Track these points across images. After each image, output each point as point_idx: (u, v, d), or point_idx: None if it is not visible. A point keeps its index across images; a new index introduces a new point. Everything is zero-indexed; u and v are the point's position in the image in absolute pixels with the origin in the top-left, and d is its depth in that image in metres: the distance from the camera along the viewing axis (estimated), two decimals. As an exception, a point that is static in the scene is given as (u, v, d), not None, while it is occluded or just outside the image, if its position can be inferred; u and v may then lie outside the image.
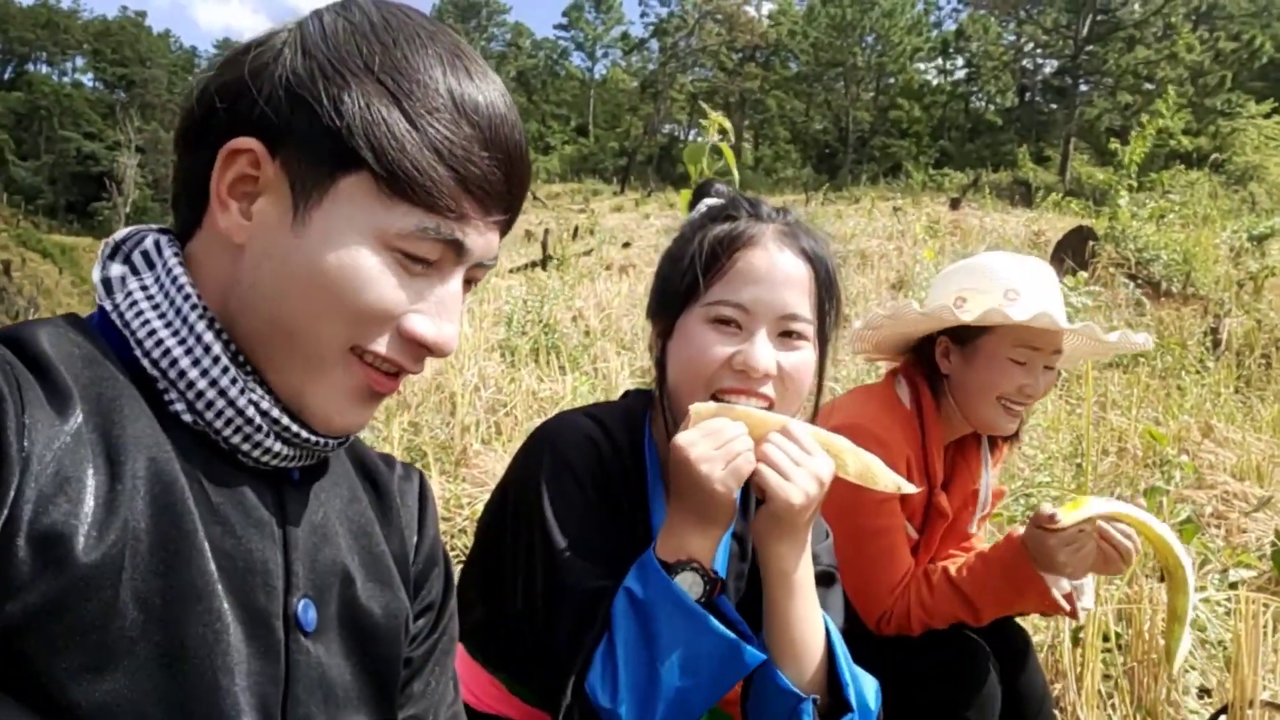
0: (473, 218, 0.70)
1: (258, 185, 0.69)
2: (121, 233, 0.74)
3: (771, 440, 1.07)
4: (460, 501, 3.41)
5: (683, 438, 1.06)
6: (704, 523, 1.08)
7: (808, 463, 1.07)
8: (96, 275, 0.72)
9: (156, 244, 0.73)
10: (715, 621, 1.04)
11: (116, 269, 0.72)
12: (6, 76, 67.45)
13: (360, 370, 0.71)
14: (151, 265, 0.72)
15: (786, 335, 1.14)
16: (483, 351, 5.79)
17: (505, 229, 0.76)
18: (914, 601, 1.61)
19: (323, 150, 0.67)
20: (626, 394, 1.36)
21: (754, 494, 1.27)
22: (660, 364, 1.23)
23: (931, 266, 8.16)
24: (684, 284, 1.16)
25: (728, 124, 2.00)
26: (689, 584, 1.06)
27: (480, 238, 0.72)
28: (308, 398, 0.71)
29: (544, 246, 12.34)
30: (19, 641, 0.55)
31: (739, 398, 1.12)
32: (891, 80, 50.93)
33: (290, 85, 0.67)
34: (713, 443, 1.05)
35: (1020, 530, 1.61)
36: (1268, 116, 26.16)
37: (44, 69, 70.44)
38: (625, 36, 65.53)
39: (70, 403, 0.62)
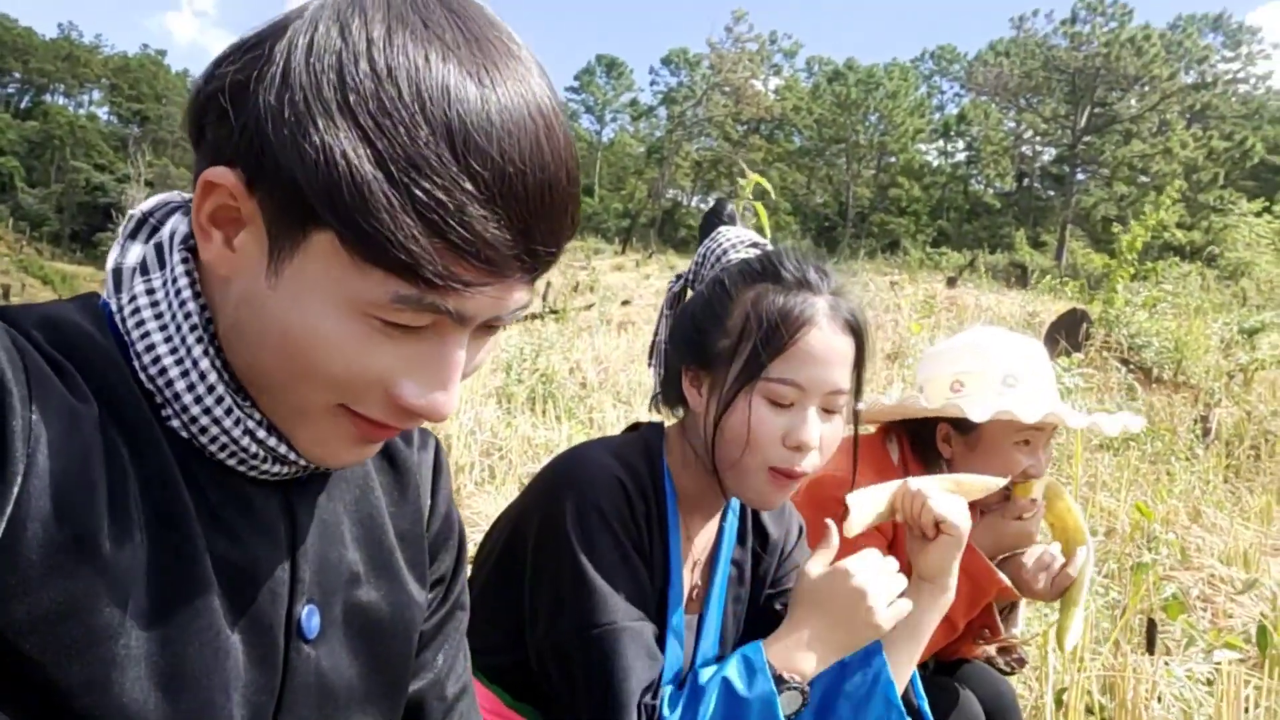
0: (472, 284, 0.57)
1: (240, 215, 0.59)
2: (149, 203, 0.68)
3: (918, 485, 1.26)
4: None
5: (857, 568, 1.16)
6: (837, 649, 1.16)
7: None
8: (111, 261, 0.65)
9: (171, 238, 0.65)
10: None
11: (133, 255, 0.66)
12: (23, 105, 68.40)
13: (350, 421, 0.64)
14: (162, 265, 0.65)
15: (826, 409, 1.17)
16: (480, 397, 5.82)
17: (534, 280, 0.63)
18: None
19: (292, 199, 0.55)
20: (636, 425, 1.37)
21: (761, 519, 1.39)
22: (682, 399, 1.26)
23: (920, 339, 8.25)
24: (732, 348, 1.17)
25: (768, 184, 2.05)
26: (789, 702, 1.12)
27: (487, 300, 0.59)
28: (297, 438, 0.66)
29: (544, 299, 12.45)
30: (22, 646, 0.53)
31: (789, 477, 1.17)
32: (893, 159, 51.89)
33: (260, 117, 0.55)
34: (884, 581, 1.17)
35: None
36: (1258, 215, 26.67)
37: (61, 100, 71.49)
38: (634, 103, 66.82)
39: (85, 399, 0.58)
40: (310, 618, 0.70)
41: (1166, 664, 2.43)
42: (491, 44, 0.58)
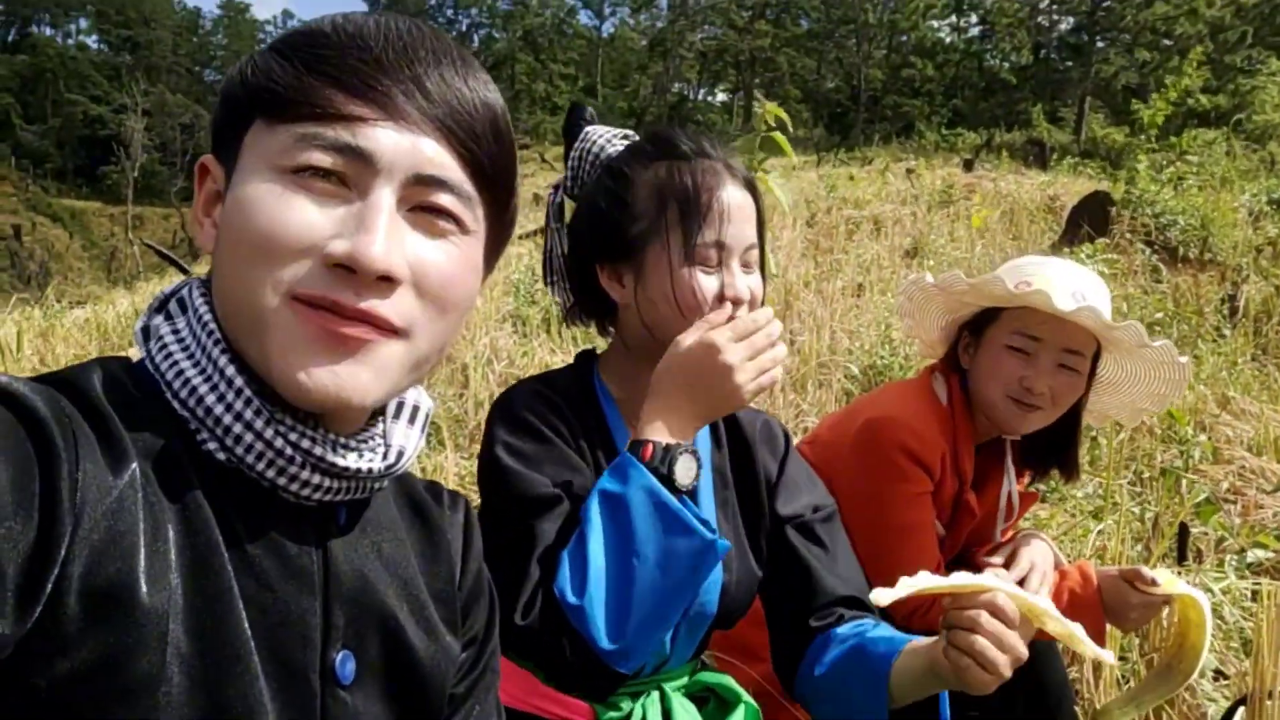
0: (363, 116, 0.66)
1: (218, 191, 0.71)
2: (170, 286, 0.75)
3: (982, 624, 1.01)
4: (475, 478, 3.42)
5: (717, 336, 1.13)
6: (703, 418, 1.16)
7: (1011, 648, 1.01)
8: (139, 325, 0.73)
9: (190, 290, 0.73)
10: (692, 516, 1.07)
11: (158, 319, 0.73)
12: (10, 39, 67.04)
13: (306, 313, 0.65)
14: (185, 310, 0.72)
15: (746, 264, 1.24)
16: (494, 322, 5.77)
17: (446, 132, 0.69)
18: None
19: (232, 123, 0.69)
20: (577, 356, 1.38)
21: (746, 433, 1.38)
22: (602, 303, 1.29)
23: (940, 232, 8.09)
24: (649, 228, 1.21)
25: (785, 115, 1.99)
26: (686, 467, 1.11)
27: (391, 140, 0.66)
28: (272, 364, 0.66)
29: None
30: (70, 699, 0.55)
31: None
32: (904, 38, 50.09)
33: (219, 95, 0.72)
34: (746, 351, 1.13)
35: (1091, 569, 1.64)
36: (1288, 73, 25.64)
37: (47, 30, 69.96)
38: (633, -7, 64.50)
39: (125, 455, 0.61)
40: (345, 663, 0.71)
41: (1200, 570, 2.41)
42: (417, 27, 0.73)
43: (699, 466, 1.11)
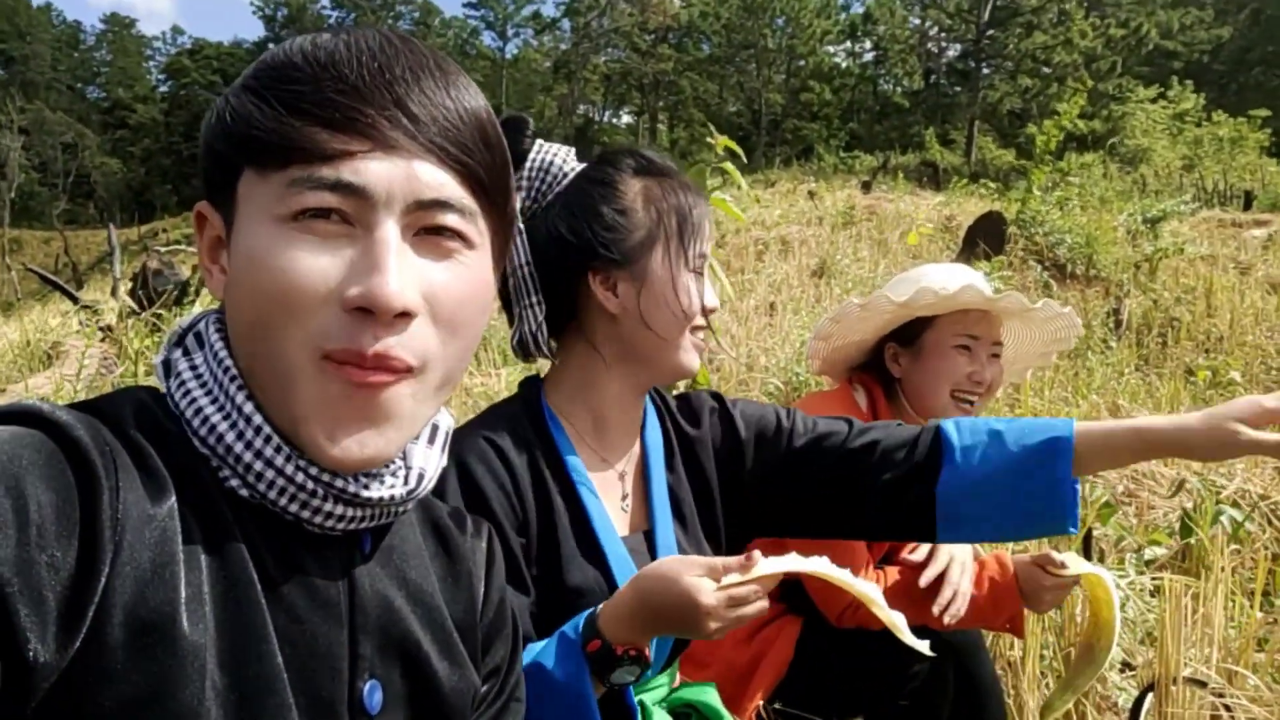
0: (352, 151, 0.64)
1: (220, 238, 0.70)
2: (187, 319, 0.75)
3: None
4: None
5: (705, 596, 1.04)
6: (672, 633, 1.10)
7: None
8: (159, 358, 0.73)
9: (206, 325, 0.73)
10: None
11: (177, 353, 0.73)
12: None
13: (334, 372, 0.65)
14: (202, 345, 0.72)
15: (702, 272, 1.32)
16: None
17: (438, 150, 0.67)
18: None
19: (222, 173, 0.67)
20: (522, 384, 1.36)
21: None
22: (572, 313, 1.28)
23: (845, 252, 8.35)
24: (648, 238, 1.24)
25: (736, 147, 2.05)
26: (627, 673, 1.07)
27: (385, 170, 0.65)
28: (300, 428, 0.66)
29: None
30: None
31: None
32: (802, 63, 51.54)
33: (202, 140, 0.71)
34: (733, 613, 1.05)
35: (1008, 558, 1.73)
36: (1153, 101, 27.49)
37: (-88, 43, 65.68)
38: (537, 16, 64.60)
39: (164, 486, 0.62)
40: (372, 694, 0.71)
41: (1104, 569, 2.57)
42: (376, 31, 0.72)
43: (641, 673, 1.08)
